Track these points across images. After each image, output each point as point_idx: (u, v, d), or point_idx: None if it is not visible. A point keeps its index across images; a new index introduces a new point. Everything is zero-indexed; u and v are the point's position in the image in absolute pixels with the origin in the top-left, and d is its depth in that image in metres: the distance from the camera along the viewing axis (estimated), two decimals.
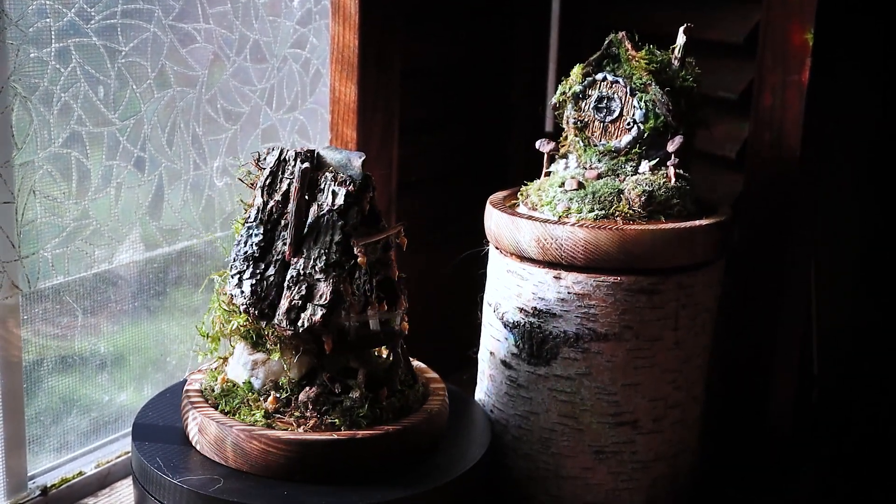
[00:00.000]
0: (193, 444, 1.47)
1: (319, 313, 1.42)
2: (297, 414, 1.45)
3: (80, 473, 1.75)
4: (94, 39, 1.60)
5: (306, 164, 1.46)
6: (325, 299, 1.42)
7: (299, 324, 1.43)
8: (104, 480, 1.78)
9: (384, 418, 1.46)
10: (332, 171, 1.47)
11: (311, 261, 1.44)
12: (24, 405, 1.64)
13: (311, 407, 1.45)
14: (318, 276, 1.44)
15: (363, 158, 1.46)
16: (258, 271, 1.47)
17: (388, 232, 1.49)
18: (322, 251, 1.44)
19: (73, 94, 1.58)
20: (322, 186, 1.46)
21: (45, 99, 1.54)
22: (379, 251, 1.49)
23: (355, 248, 1.43)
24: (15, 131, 1.51)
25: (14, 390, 1.62)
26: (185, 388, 1.54)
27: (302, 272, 1.45)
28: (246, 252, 1.48)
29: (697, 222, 1.64)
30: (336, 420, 1.44)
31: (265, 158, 1.51)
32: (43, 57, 1.53)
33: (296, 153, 1.49)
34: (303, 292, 1.44)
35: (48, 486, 1.70)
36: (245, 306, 1.47)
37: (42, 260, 1.59)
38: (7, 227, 1.52)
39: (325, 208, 1.45)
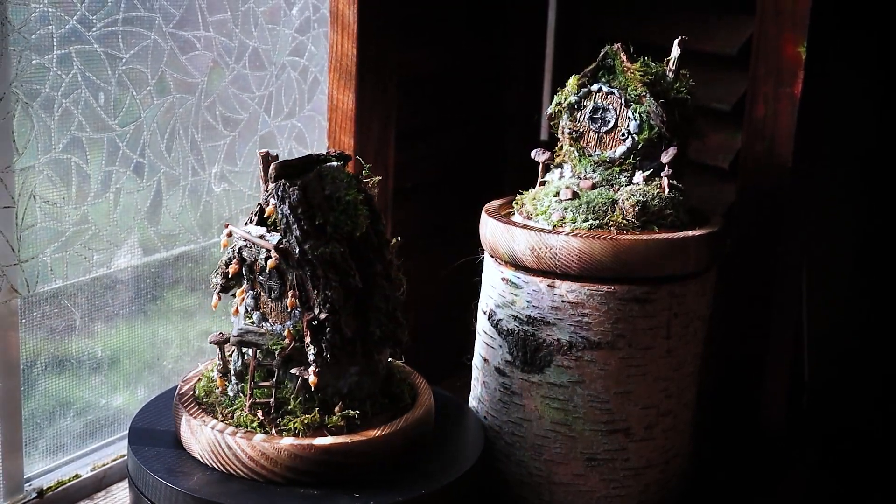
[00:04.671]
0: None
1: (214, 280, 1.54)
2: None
3: (77, 476, 1.76)
4: (96, 46, 1.61)
5: (265, 150, 1.52)
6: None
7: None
8: (100, 483, 1.79)
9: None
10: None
11: None
12: (21, 408, 1.65)
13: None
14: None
15: (274, 172, 1.48)
16: None
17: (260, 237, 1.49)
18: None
19: (73, 100, 1.60)
20: None
21: (46, 105, 1.56)
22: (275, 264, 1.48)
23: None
24: (16, 136, 1.52)
25: (11, 393, 1.63)
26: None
27: None
28: None
29: (690, 232, 1.66)
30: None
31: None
32: (45, 63, 1.54)
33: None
34: None
35: (44, 488, 1.71)
36: None
37: (41, 264, 1.60)
38: (7, 232, 1.54)
39: None
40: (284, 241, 1.45)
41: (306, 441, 1.42)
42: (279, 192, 1.45)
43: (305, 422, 1.45)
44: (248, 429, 1.45)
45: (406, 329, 1.52)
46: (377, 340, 1.49)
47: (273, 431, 1.45)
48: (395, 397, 1.55)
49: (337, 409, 1.47)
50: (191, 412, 1.48)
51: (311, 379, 1.45)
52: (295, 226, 1.45)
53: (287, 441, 1.43)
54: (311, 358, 1.45)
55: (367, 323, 1.49)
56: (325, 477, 1.42)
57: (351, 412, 1.47)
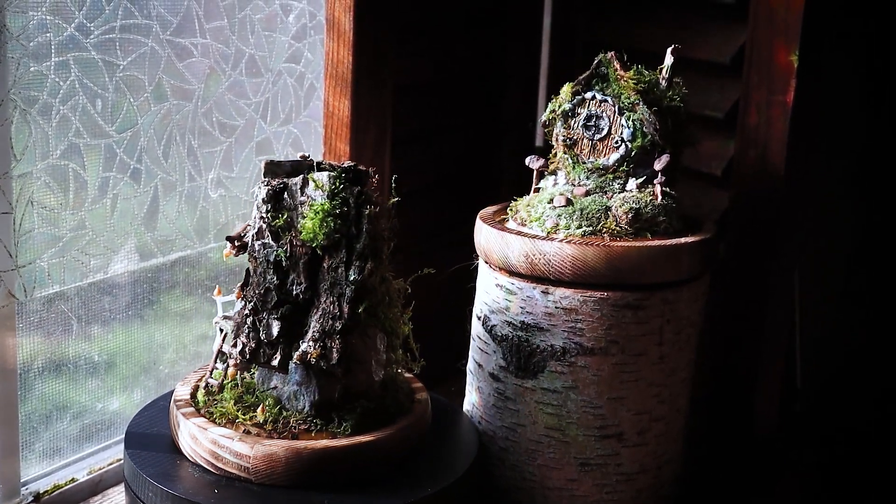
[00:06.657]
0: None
1: None
2: None
3: (73, 480, 1.76)
4: (93, 53, 1.63)
5: (302, 153, 1.56)
6: None
7: None
8: (96, 487, 1.80)
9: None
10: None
11: None
12: (18, 411, 1.66)
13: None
14: None
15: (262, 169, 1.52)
16: None
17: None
18: None
19: (71, 107, 1.61)
20: None
21: (44, 111, 1.57)
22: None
23: None
24: (14, 143, 1.53)
25: (8, 397, 1.64)
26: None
27: None
28: None
29: (683, 239, 1.67)
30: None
31: None
32: (43, 70, 1.56)
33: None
34: None
35: (41, 492, 1.71)
36: None
37: (38, 269, 1.61)
38: (5, 237, 1.55)
39: None
40: (244, 235, 1.49)
41: (207, 426, 1.46)
42: (257, 189, 1.49)
43: (222, 411, 1.49)
44: (194, 406, 1.52)
45: (341, 355, 1.44)
46: (301, 354, 1.45)
47: (203, 412, 1.50)
48: (332, 419, 1.49)
49: (259, 410, 1.49)
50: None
51: (230, 371, 1.53)
52: (257, 222, 1.48)
53: (194, 421, 1.47)
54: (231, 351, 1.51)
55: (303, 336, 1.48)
56: (216, 467, 1.45)
57: (260, 418, 1.48)
